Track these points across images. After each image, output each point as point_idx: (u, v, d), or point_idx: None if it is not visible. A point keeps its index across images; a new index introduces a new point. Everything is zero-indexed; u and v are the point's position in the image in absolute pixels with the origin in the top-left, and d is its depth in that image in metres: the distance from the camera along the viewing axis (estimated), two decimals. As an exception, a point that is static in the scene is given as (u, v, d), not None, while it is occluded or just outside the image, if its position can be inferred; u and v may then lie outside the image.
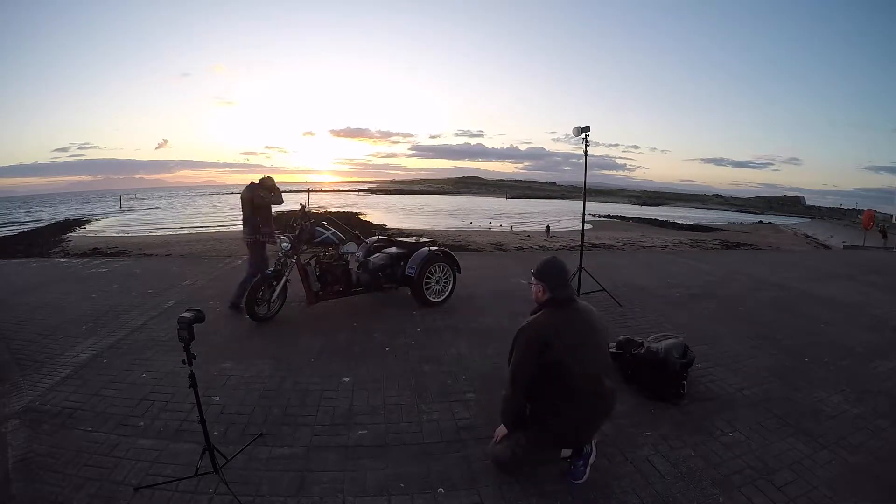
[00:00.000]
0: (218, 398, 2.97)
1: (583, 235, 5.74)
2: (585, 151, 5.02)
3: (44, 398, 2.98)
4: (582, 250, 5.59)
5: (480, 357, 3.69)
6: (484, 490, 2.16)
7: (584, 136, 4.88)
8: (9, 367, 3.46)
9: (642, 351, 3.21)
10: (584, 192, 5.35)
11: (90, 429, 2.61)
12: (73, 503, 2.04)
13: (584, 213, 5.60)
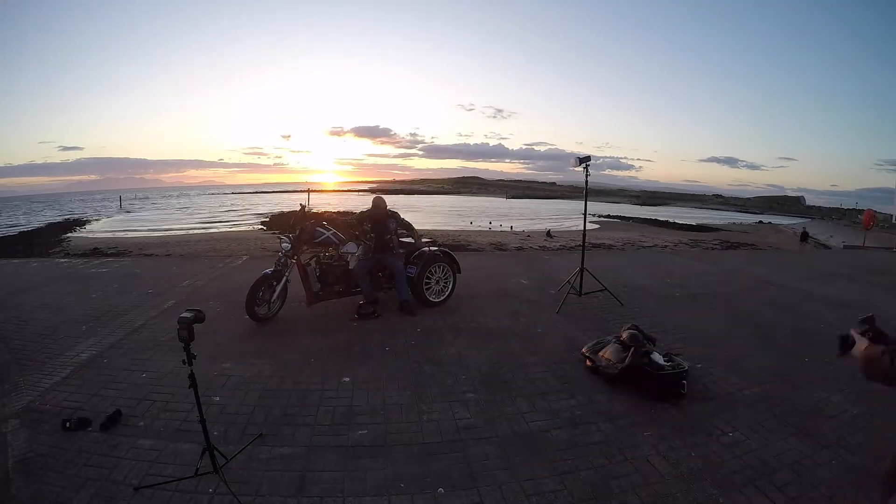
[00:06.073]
0: (218, 398, 2.98)
1: (584, 236, 5.77)
2: (586, 181, 5.17)
3: (44, 398, 2.98)
4: (584, 251, 5.61)
5: (480, 357, 3.69)
6: (484, 490, 2.16)
7: (584, 165, 5.02)
8: (9, 368, 3.46)
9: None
10: (584, 208, 5.51)
11: (90, 429, 2.61)
12: (73, 503, 2.05)
13: (584, 221, 5.74)
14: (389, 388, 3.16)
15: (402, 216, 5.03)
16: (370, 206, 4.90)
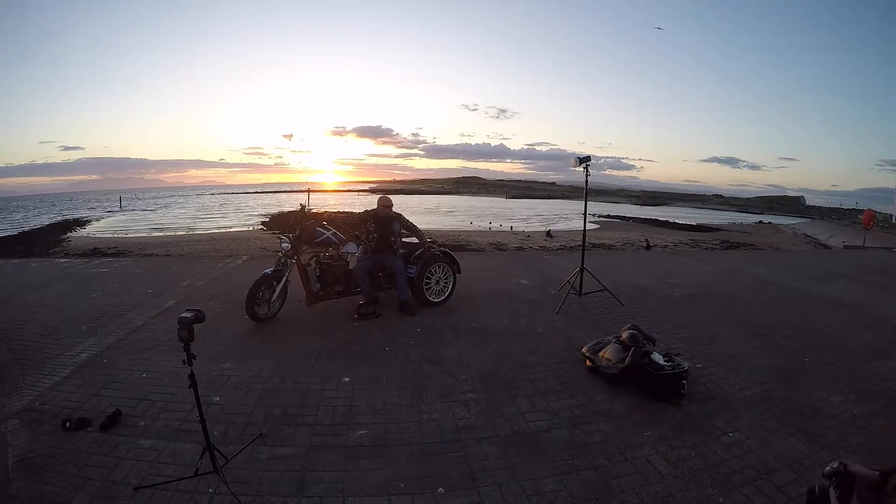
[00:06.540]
0: (218, 398, 2.98)
1: (584, 236, 5.77)
2: (586, 181, 5.20)
3: (44, 398, 2.98)
4: (584, 251, 5.61)
5: (480, 357, 3.69)
6: (484, 490, 2.16)
7: (584, 165, 5.05)
8: (9, 367, 3.46)
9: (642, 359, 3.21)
10: (584, 211, 5.55)
11: (90, 429, 2.61)
12: (73, 503, 2.05)
13: (584, 221, 5.76)
14: (389, 388, 3.16)
15: (406, 218, 5.03)
16: (375, 204, 4.90)
